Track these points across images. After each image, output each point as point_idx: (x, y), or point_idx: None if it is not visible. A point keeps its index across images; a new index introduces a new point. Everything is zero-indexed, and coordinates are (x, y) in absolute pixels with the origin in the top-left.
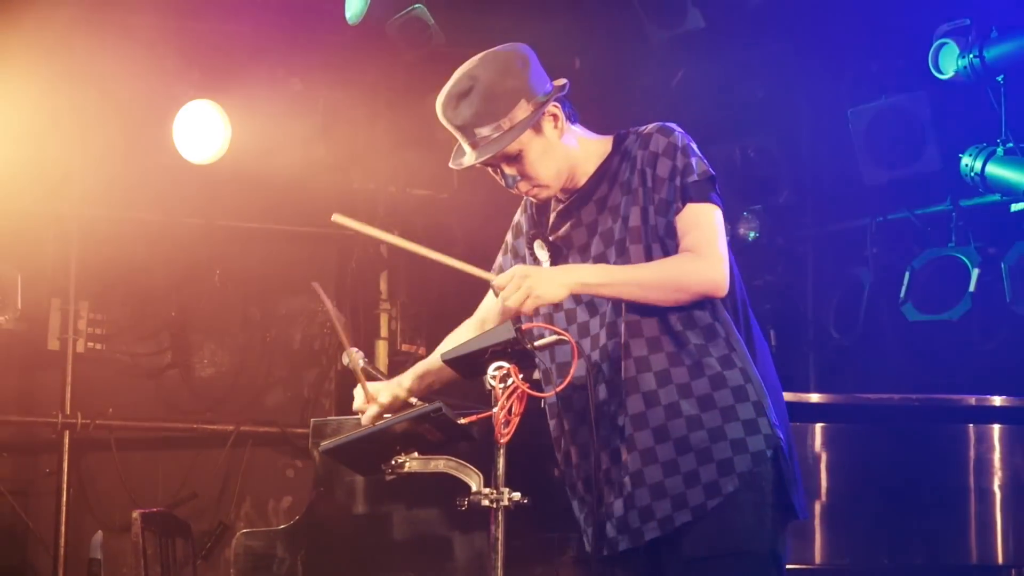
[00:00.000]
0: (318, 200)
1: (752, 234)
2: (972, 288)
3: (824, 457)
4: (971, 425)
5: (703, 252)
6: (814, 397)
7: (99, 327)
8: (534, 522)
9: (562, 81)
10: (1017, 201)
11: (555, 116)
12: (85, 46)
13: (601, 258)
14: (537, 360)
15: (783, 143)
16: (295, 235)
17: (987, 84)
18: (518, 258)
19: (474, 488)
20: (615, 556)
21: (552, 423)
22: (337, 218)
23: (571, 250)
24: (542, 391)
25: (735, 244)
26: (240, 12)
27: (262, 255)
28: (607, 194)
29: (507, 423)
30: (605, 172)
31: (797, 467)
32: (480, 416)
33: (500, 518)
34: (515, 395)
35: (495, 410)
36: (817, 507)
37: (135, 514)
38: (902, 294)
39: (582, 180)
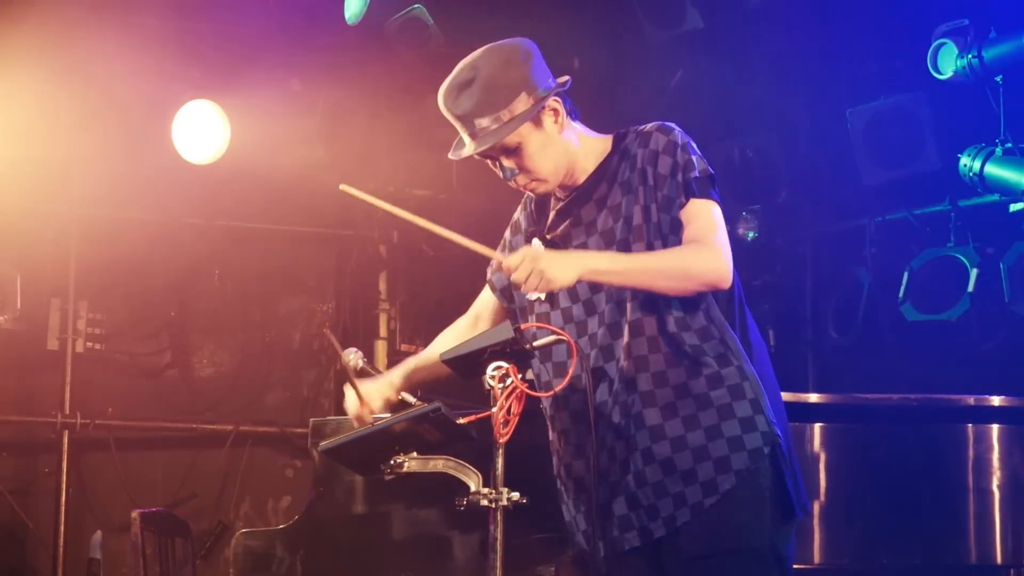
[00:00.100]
0: (317, 200)
1: (751, 234)
2: (971, 288)
3: (823, 457)
4: (970, 425)
5: (708, 243)
6: (813, 397)
7: (98, 327)
8: (533, 522)
9: (564, 78)
10: (1016, 201)
11: (555, 111)
12: (85, 46)
13: None
14: (531, 361)
15: (782, 143)
16: (294, 235)
17: (986, 84)
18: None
19: (473, 488)
20: (615, 555)
21: (548, 422)
22: (345, 188)
23: (570, 248)
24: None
25: (733, 244)
26: (240, 12)
27: (261, 255)
28: (607, 193)
29: (506, 423)
30: (605, 171)
31: (796, 465)
32: (479, 416)
33: (499, 518)
34: (514, 395)
35: (494, 410)
36: (816, 507)
37: (134, 514)
38: (901, 294)
39: (581, 178)
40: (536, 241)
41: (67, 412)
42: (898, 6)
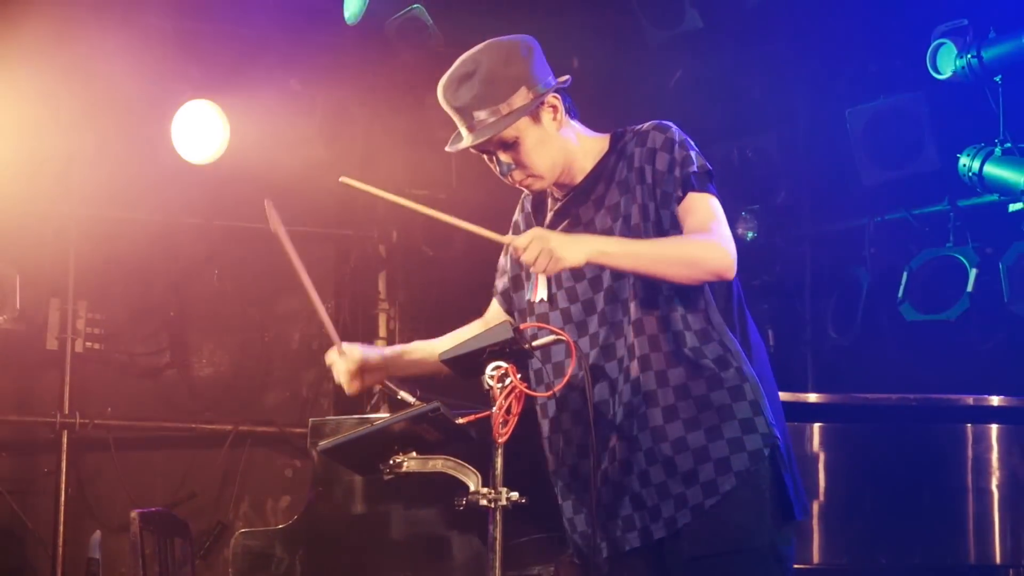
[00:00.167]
0: (317, 200)
1: (750, 234)
2: (970, 288)
3: (822, 457)
4: (969, 425)
5: (713, 232)
6: (812, 397)
7: (98, 327)
8: (532, 522)
9: (565, 76)
10: (1015, 201)
11: (554, 107)
12: (84, 46)
13: None
14: (533, 360)
15: (781, 143)
16: (294, 235)
17: (985, 84)
18: (517, 260)
19: (472, 488)
20: (616, 556)
21: (544, 422)
22: (345, 180)
23: None
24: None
25: None
26: (239, 12)
27: (261, 255)
28: (604, 193)
29: (505, 423)
30: (602, 171)
31: (795, 466)
32: (478, 416)
33: (498, 518)
34: (513, 395)
35: (493, 410)
36: (815, 507)
37: (133, 514)
38: (900, 294)
39: (579, 177)
40: None
41: (66, 412)
42: (897, 6)
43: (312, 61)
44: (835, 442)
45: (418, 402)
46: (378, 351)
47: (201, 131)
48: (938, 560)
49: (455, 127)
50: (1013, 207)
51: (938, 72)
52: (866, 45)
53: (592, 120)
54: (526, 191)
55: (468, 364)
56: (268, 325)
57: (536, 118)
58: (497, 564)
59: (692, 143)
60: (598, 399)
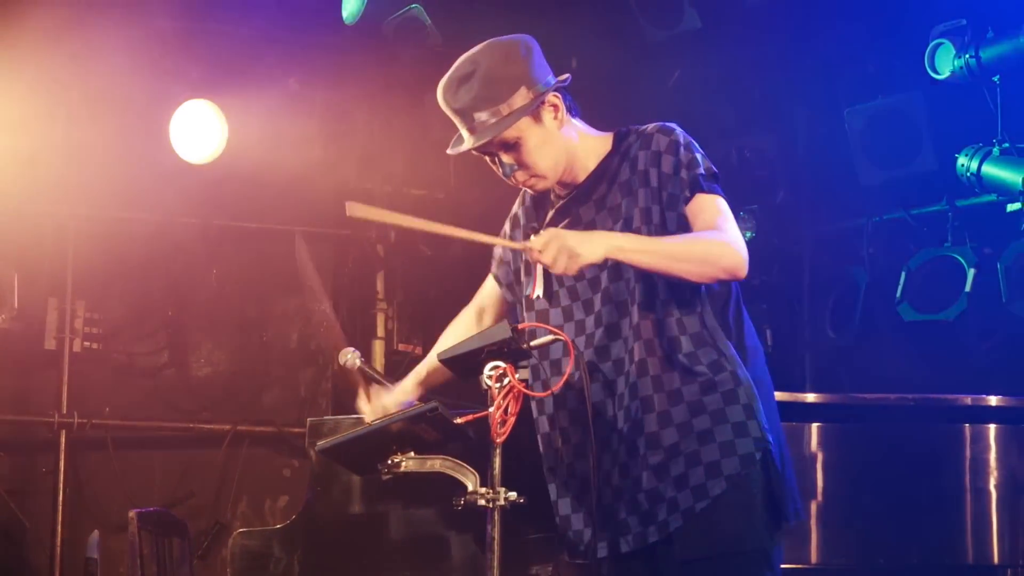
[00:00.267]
0: (315, 200)
1: (748, 234)
2: (968, 288)
3: (820, 457)
4: (967, 425)
5: (725, 231)
6: (810, 397)
7: (96, 326)
8: (530, 522)
9: (564, 75)
10: (1013, 201)
11: (555, 106)
12: (82, 46)
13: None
14: (532, 360)
15: (779, 143)
16: (292, 235)
17: (983, 84)
18: (514, 251)
19: (470, 488)
20: (612, 558)
21: (541, 419)
22: (352, 208)
23: None
24: (535, 390)
25: None
26: (238, 12)
27: (259, 255)
28: (606, 194)
29: (503, 423)
30: (605, 171)
31: (790, 471)
32: (476, 416)
33: (496, 518)
34: (511, 395)
35: (491, 410)
36: (813, 507)
37: (132, 513)
38: (898, 294)
39: (581, 176)
40: (535, 238)
41: (64, 412)
42: (895, 6)
43: (310, 61)
44: (833, 442)
45: (417, 402)
46: (406, 394)
47: (200, 131)
48: (936, 560)
49: (454, 127)
50: (1011, 207)
51: (936, 72)
52: (864, 45)
53: (591, 120)
54: (522, 186)
55: (466, 364)
56: (266, 325)
57: (537, 118)
58: (495, 564)
59: (697, 145)
60: (594, 399)
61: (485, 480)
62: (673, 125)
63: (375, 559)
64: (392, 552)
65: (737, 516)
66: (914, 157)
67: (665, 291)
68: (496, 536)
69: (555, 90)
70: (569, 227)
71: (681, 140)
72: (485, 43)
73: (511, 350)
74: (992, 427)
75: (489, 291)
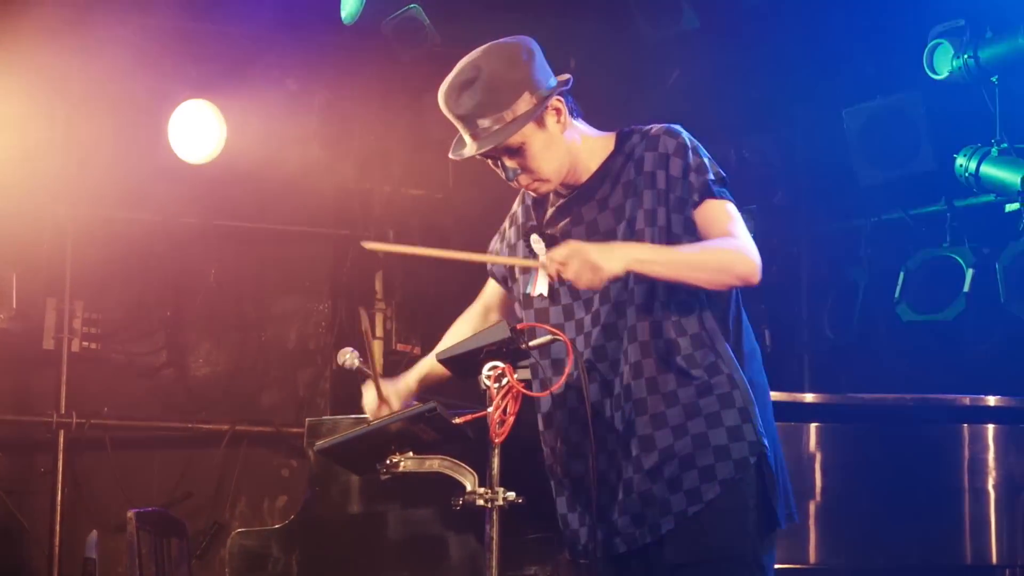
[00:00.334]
0: (314, 200)
1: None
2: (966, 288)
3: (819, 457)
4: (965, 425)
5: (738, 238)
6: (808, 397)
7: (94, 326)
8: (529, 522)
9: (566, 76)
10: (1011, 201)
11: (558, 110)
12: (80, 46)
13: None
14: (530, 360)
15: (778, 143)
16: (290, 234)
17: (981, 84)
18: (512, 248)
19: (469, 488)
20: (607, 559)
21: (539, 417)
22: (368, 245)
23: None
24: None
25: None
26: (237, 12)
27: (257, 254)
28: (608, 194)
29: (502, 423)
30: (608, 171)
31: (785, 474)
32: (475, 416)
33: (495, 518)
34: (510, 395)
35: (490, 410)
36: (811, 507)
37: (130, 513)
38: (896, 294)
39: (583, 176)
40: (535, 236)
41: (63, 411)
42: (894, 6)
43: (309, 61)
44: (831, 442)
45: (415, 402)
46: (409, 389)
47: (198, 131)
48: (935, 560)
49: (454, 128)
50: (1009, 207)
51: (935, 72)
52: (863, 45)
53: (589, 120)
54: (526, 190)
55: (465, 364)
56: (265, 325)
57: (540, 123)
58: (494, 564)
59: (703, 149)
60: (592, 400)
61: (483, 480)
62: (679, 128)
63: (373, 559)
64: (390, 552)
65: (729, 521)
66: (912, 157)
67: (664, 293)
68: (494, 536)
69: (558, 93)
70: (570, 225)
71: (688, 143)
72: (486, 46)
73: (510, 350)
74: (990, 427)
75: (492, 290)
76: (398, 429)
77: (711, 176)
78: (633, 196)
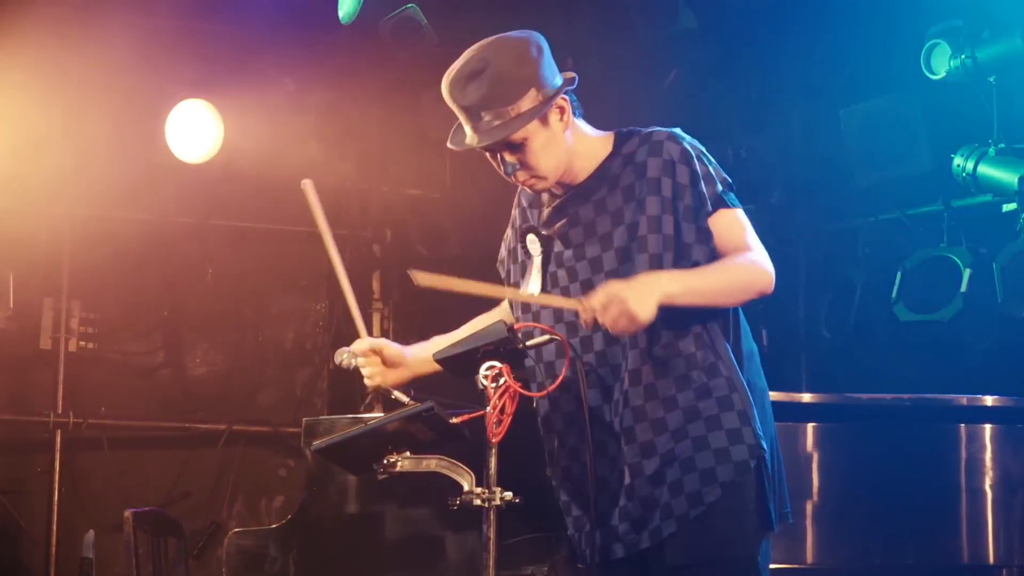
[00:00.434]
0: None
1: None
2: (964, 288)
3: (816, 457)
4: (962, 425)
5: (753, 250)
6: (806, 397)
7: (91, 326)
8: (526, 522)
9: (571, 74)
10: (1008, 202)
11: (562, 109)
12: (77, 45)
13: (597, 261)
14: (527, 360)
15: (775, 143)
16: (288, 234)
17: (979, 84)
18: (512, 251)
19: (466, 487)
20: (604, 563)
21: (540, 421)
22: (418, 278)
23: (566, 248)
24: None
25: None
26: (234, 12)
27: (255, 254)
28: (606, 196)
29: (499, 423)
30: (605, 173)
31: (782, 476)
32: (472, 416)
33: (492, 517)
34: (507, 395)
35: (487, 410)
36: (809, 507)
37: (127, 513)
38: (894, 294)
39: (580, 176)
40: (531, 236)
41: (60, 411)
42: (891, 6)
43: (306, 60)
44: (828, 442)
45: (412, 402)
46: (423, 359)
47: (195, 130)
48: (932, 560)
49: (450, 127)
50: (1007, 207)
51: (932, 72)
52: (860, 45)
53: (586, 119)
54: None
55: (462, 364)
56: (262, 325)
57: (544, 120)
58: (491, 564)
59: (707, 153)
60: (592, 404)
61: (481, 480)
62: (681, 132)
63: (371, 559)
64: (388, 552)
65: (729, 523)
66: (910, 157)
67: None
68: (492, 536)
69: (563, 92)
70: (566, 226)
71: (693, 150)
72: (495, 39)
73: (507, 350)
74: (988, 427)
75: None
76: (395, 429)
77: (720, 185)
78: (632, 201)
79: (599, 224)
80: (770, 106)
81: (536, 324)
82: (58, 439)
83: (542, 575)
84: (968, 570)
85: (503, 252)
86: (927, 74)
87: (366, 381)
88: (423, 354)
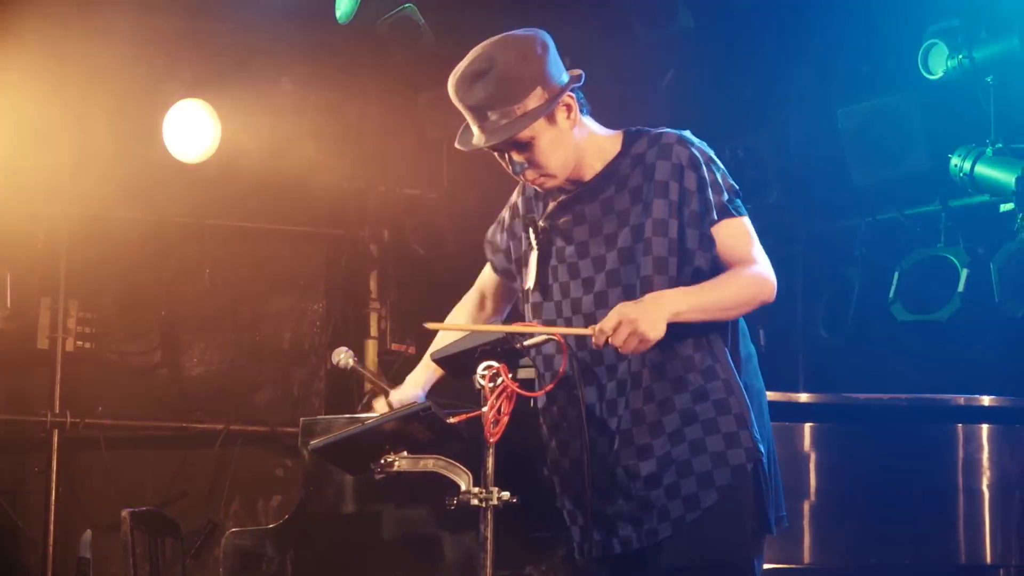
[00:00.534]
0: (308, 199)
1: None
2: (961, 288)
3: (813, 457)
4: (960, 425)
5: (757, 261)
6: (803, 397)
7: (88, 326)
8: (524, 522)
9: (577, 71)
10: (1006, 201)
11: (569, 107)
12: (75, 45)
13: (600, 260)
14: (530, 360)
15: (773, 143)
16: (285, 234)
17: (976, 84)
18: (514, 238)
19: (463, 487)
20: (600, 559)
21: (543, 422)
22: (430, 326)
23: (569, 244)
24: (531, 390)
25: None
26: (231, 11)
27: (252, 254)
28: (613, 196)
29: (496, 422)
30: (614, 172)
31: (778, 480)
32: (469, 415)
33: (489, 517)
34: (504, 395)
35: (484, 410)
36: (806, 507)
37: (124, 513)
38: (891, 294)
39: (588, 174)
40: (534, 228)
41: (57, 411)
42: (889, 6)
43: (304, 60)
44: (826, 442)
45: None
46: (416, 389)
47: (193, 130)
48: (929, 560)
49: (448, 126)
50: (1004, 207)
51: (930, 72)
52: (858, 45)
53: None
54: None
55: (460, 364)
56: (259, 324)
57: (551, 119)
58: (488, 564)
59: (716, 159)
60: (590, 405)
61: (478, 480)
62: (691, 136)
63: (368, 559)
64: (385, 552)
65: (726, 526)
66: (907, 157)
67: None
68: (489, 536)
69: (569, 90)
70: (571, 224)
71: (702, 156)
72: (500, 37)
73: (504, 350)
74: (985, 427)
75: (488, 277)
76: (393, 429)
77: (727, 193)
78: (639, 203)
79: (605, 223)
80: (768, 106)
81: (534, 324)
82: (55, 439)
83: (540, 575)
84: (965, 570)
85: (496, 235)
86: (924, 74)
87: None
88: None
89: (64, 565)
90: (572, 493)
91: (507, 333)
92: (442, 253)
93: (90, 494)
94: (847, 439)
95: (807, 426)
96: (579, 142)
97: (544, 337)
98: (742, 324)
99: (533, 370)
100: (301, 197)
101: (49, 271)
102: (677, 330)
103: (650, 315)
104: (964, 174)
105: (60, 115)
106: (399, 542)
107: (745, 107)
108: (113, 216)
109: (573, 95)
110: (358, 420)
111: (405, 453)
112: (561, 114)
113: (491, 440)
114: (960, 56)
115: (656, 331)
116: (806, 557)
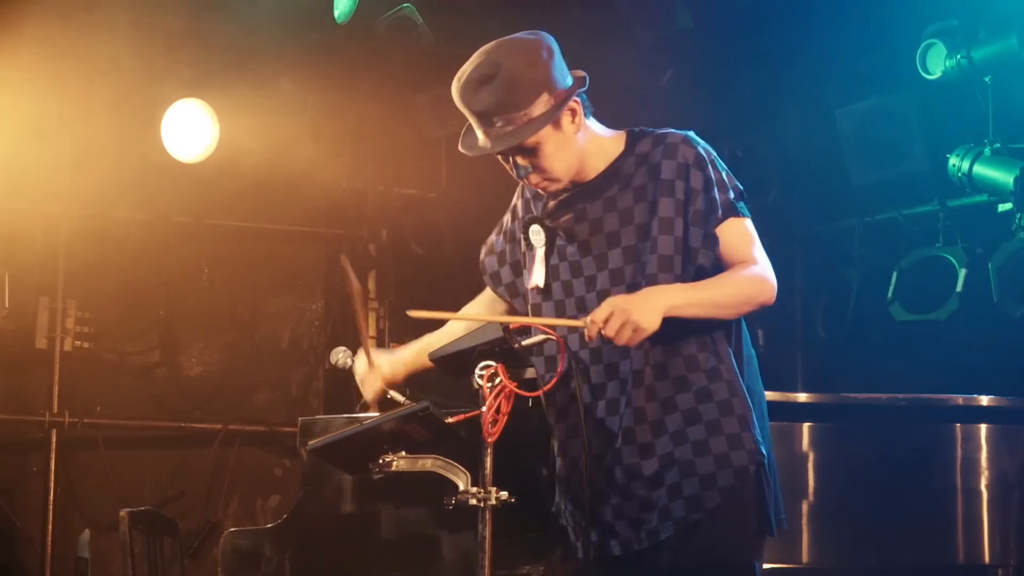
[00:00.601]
0: (307, 199)
1: None
2: (959, 288)
3: (811, 457)
4: (958, 425)
5: (758, 262)
6: (802, 397)
7: (87, 325)
8: (522, 521)
9: (581, 73)
10: (1004, 201)
11: (574, 111)
12: (73, 45)
13: (603, 258)
14: (530, 360)
15: (771, 143)
16: (284, 234)
17: (975, 84)
18: (513, 241)
19: (461, 487)
20: (598, 560)
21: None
22: (413, 313)
23: (569, 242)
24: (530, 390)
25: None
26: (230, 11)
27: (251, 254)
28: (616, 195)
29: (494, 422)
30: (617, 171)
31: (777, 483)
32: (468, 415)
33: (487, 517)
34: (502, 394)
35: (483, 409)
36: (804, 507)
37: (122, 513)
38: (890, 294)
39: (591, 175)
40: (535, 227)
41: (55, 411)
42: (887, 6)
43: (302, 60)
44: (824, 442)
45: (408, 401)
46: (403, 363)
47: (190, 130)
48: (927, 560)
49: (447, 126)
50: (1002, 207)
51: (928, 72)
52: (856, 45)
53: None
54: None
55: (458, 363)
56: (258, 324)
57: (556, 124)
58: (487, 564)
59: (720, 160)
60: (587, 402)
61: (476, 480)
62: (695, 136)
63: (366, 558)
64: (383, 551)
65: (728, 528)
66: (906, 157)
67: None
68: (487, 536)
69: (575, 94)
70: (572, 222)
71: (707, 156)
72: (505, 41)
73: (502, 350)
74: (983, 427)
75: (487, 298)
76: (391, 429)
77: (732, 193)
78: (643, 201)
79: (607, 222)
80: (766, 106)
81: (533, 321)
82: (53, 438)
83: (538, 575)
84: (964, 570)
85: (495, 237)
86: (923, 74)
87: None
88: (416, 360)
89: (62, 565)
90: (572, 493)
91: (505, 333)
92: (441, 253)
93: (88, 494)
94: (846, 439)
95: (805, 426)
96: (583, 145)
97: (544, 337)
98: (744, 327)
99: (532, 369)
100: (300, 197)
101: (48, 271)
102: (681, 330)
103: (643, 306)
104: (962, 174)
105: (59, 114)
106: (397, 542)
107: (743, 107)
108: (112, 215)
109: (578, 99)
110: (357, 420)
111: (403, 453)
112: (566, 119)
113: (489, 440)
114: (958, 56)
115: (650, 322)
116: (804, 557)
